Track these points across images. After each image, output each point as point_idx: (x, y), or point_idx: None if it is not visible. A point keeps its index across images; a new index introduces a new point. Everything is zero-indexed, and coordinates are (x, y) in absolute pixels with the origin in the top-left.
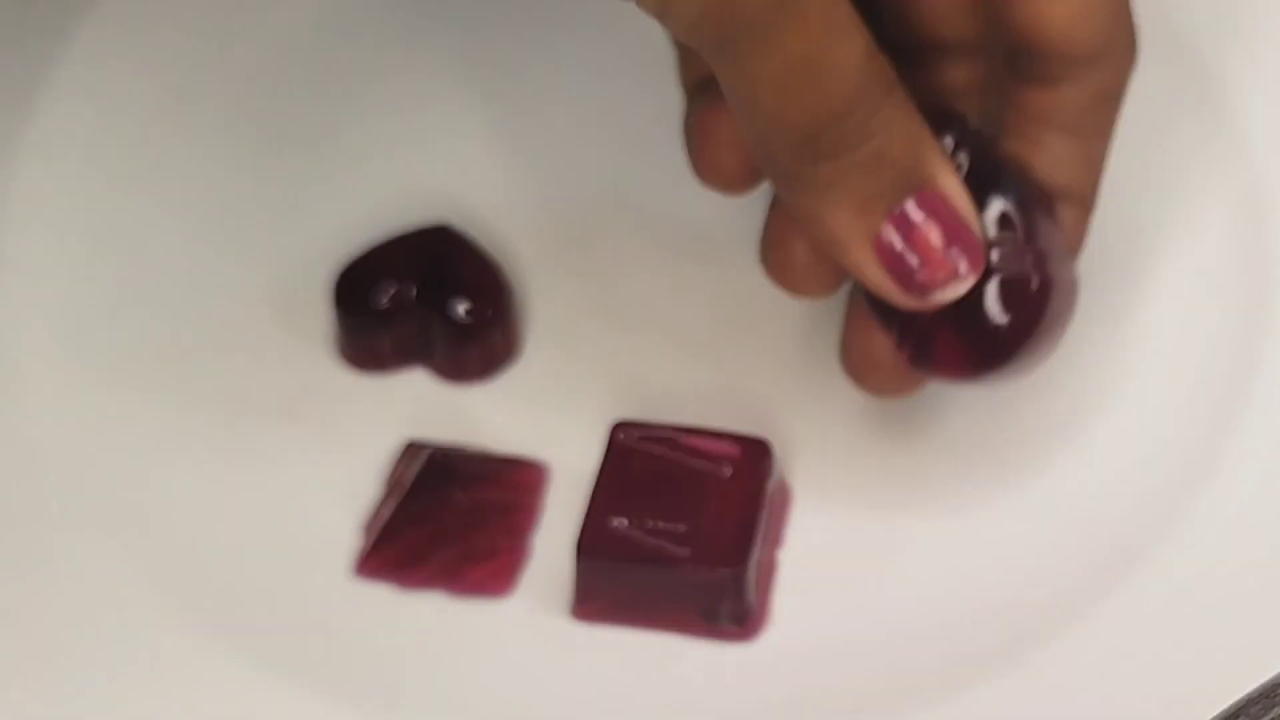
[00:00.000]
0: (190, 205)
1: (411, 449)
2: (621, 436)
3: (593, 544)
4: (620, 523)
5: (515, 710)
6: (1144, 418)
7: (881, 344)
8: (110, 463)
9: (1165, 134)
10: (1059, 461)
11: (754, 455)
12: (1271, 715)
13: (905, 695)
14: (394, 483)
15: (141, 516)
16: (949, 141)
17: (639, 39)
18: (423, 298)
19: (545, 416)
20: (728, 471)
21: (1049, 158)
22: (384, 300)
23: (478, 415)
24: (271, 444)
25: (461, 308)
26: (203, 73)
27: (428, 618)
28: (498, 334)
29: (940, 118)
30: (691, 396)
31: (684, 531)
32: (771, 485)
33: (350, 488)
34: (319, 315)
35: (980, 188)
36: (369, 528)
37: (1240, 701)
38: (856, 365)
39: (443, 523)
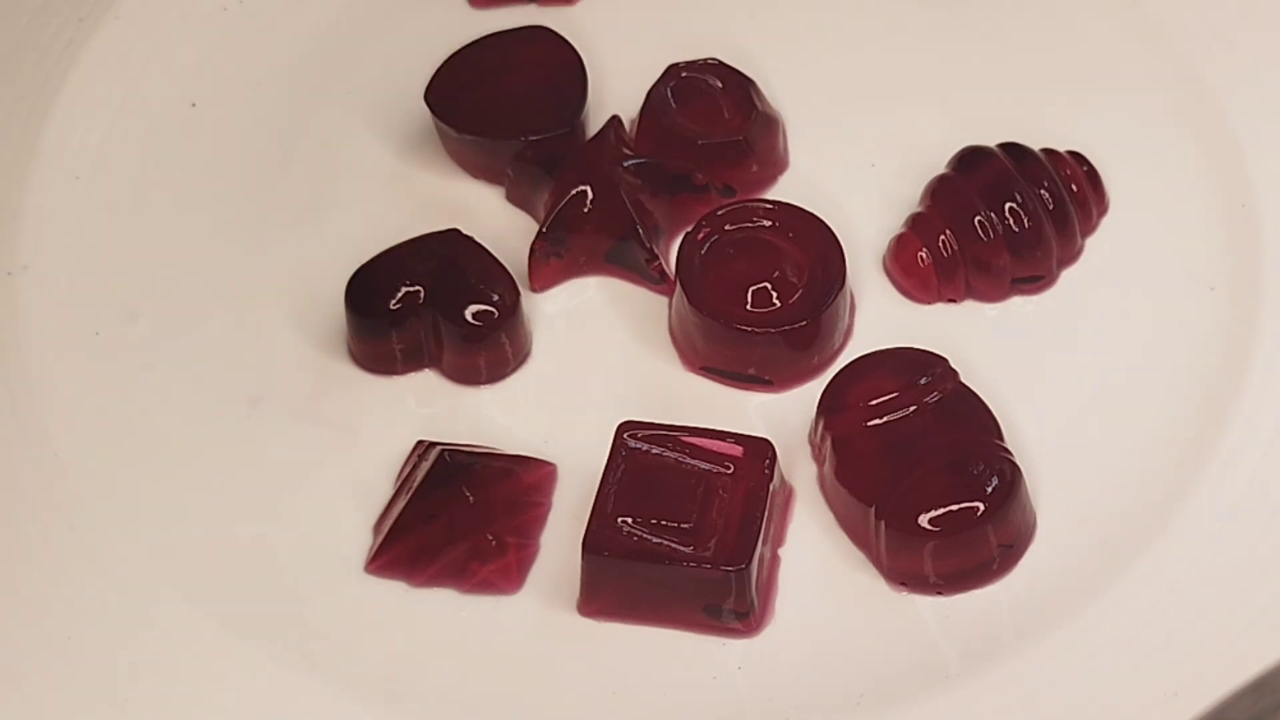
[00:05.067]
0: (204, 210)
1: (422, 448)
2: (627, 437)
3: (599, 542)
4: (626, 521)
5: (523, 705)
6: (1136, 417)
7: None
8: (127, 461)
9: (1156, 139)
10: (1052, 460)
11: (757, 455)
12: (1261, 707)
13: (905, 690)
14: (404, 481)
15: (156, 514)
16: (926, 380)
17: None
18: (433, 301)
19: (553, 417)
20: (731, 471)
21: None
22: (395, 303)
23: (487, 415)
24: (285, 443)
25: (471, 311)
26: (217, 79)
27: (437, 614)
28: (506, 336)
29: (922, 358)
30: (695, 397)
31: (688, 530)
32: (774, 485)
33: (361, 486)
34: (332, 318)
35: (951, 416)
36: (380, 525)
37: (1232, 694)
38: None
39: (452, 521)
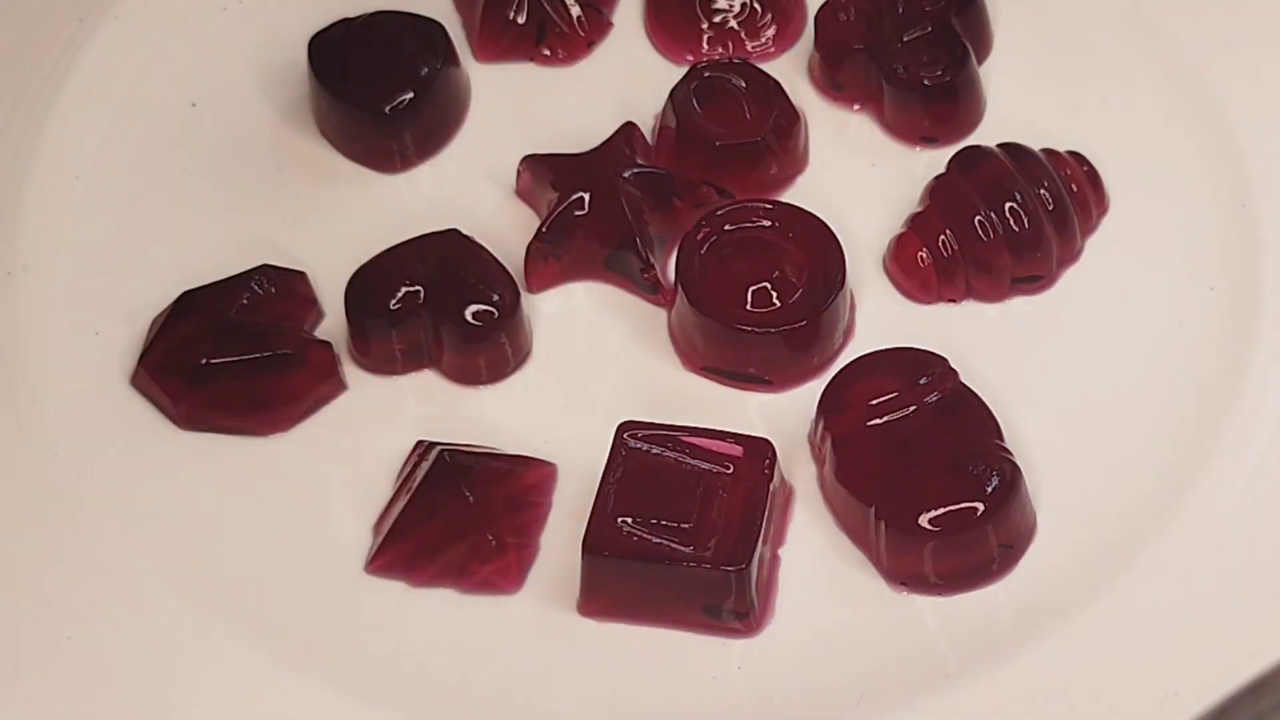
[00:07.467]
0: (204, 210)
1: (422, 448)
2: (627, 436)
3: (599, 542)
4: (626, 521)
5: (523, 704)
6: (1136, 416)
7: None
8: (128, 462)
9: (1156, 139)
10: (1052, 460)
11: (757, 455)
12: (1261, 707)
13: (905, 690)
14: (404, 481)
15: (156, 513)
16: (925, 380)
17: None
18: (432, 301)
19: (553, 417)
20: (731, 471)
21: None
22: (395, 303)
23: (487, 415)
24: (285, 444)
25: (471, 311)
26: (217, 79)
27: (437, 614)
28: (506, 337)
29: (922, 358)
30: (695, 397)
31: (688, 530)
32: (774, 485)
33: (361, 486)
34: (332, 318)
35: (951, 416)
36: (380, 525)
37: (1232, 694)
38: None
39: (452, 521)
